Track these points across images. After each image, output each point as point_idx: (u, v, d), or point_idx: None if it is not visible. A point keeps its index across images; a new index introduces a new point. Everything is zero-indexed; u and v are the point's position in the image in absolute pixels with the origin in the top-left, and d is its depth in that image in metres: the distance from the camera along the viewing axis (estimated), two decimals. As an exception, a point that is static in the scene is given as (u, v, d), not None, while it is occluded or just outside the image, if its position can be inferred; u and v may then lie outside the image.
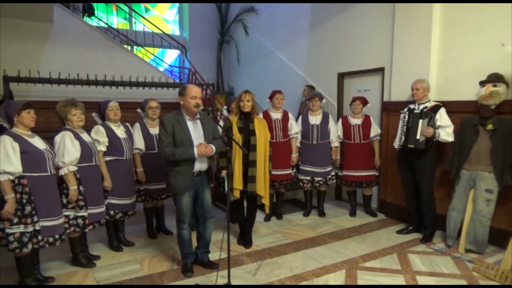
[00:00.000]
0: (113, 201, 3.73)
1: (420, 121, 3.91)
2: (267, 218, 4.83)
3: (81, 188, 3.32)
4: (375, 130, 4.81)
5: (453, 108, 4.04)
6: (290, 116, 4.75)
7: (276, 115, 4.67)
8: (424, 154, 3.97)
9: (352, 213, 5.02)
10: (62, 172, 3.22)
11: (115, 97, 5.56)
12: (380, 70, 5.15)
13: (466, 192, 3.74)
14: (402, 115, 4.14)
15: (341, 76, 5.78)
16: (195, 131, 3.23)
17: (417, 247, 3.91)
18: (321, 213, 5.02)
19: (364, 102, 4.82)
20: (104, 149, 3.65)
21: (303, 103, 6.09)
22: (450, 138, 3.88)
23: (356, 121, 4.80)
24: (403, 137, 4.05)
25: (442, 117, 3.90)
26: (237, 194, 3.76)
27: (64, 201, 3.25)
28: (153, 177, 4.08)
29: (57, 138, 3.24)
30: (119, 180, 3.72)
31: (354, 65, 5.51)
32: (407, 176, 4.16)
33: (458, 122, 3.87)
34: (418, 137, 3.91)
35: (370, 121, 4.81)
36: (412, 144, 3.94)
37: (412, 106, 4.13)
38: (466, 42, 4.08)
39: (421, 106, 4.04)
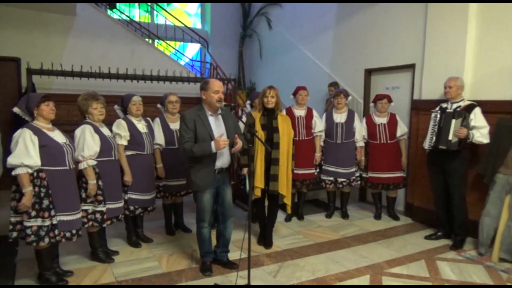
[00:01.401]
0: (133, 196, 3.76)
1: (453, 121, 3.81)
2: (288, 218, 4.80)
3: (100, 182, 3.35)
4: (401, 129, 4.73)
5: (488, 108, 3.92)
6: (314, 113, 4.72)
7: (299, 112, 4.65)
8: (456, 156, 3.87)
9: (377, 216, 4.94)
10: (81, 166, 3.25)
11: (136, 91, 5.64)
12: (410, 67, 5.03)
13: (501, 197, 3.63)
14: (433, 114, 4.05)
15: (368, 73, 5.69)
16: (217, 126, 3.24)
17: (447, 254, 3.81)
18: (345, 215, 4.96)
19: (390, 100, 4.76)
20: (125, 143, 3.68)
21: (328, 99, 6.05)
22: (485, 140, 3.78)
23: (381, 120, 4.74)
24: (434, 138, 3.96)
25: (477, 117, 3.80)
26: (258, 192, 3.76)
27: (83, 195, 3.28)
28: (173, 173, 4.09)
29: (77, 132, 3.28)
30: (139, 175, 3.75)
31: (382, 61, 5.41)
32: (437, 179, 4.07)
33: (494, 123, 3.77)
34: (450, 138, 3.81)
35: (396, 119, 4.74)
36: (444, 145, 3.84)
37: (444, 105, 4.04)
38: (504, 40, 3.98)
39: (454, 105, 3.95)
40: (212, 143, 3.10)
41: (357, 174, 4.82)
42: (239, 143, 3.19)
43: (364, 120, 4.87)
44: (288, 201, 3.89)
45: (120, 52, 6.42)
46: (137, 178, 3.74)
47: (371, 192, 5.04)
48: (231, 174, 3.55)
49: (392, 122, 4.72)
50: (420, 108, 4.73)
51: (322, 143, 4.80)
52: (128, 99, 3.79)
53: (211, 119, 3.22)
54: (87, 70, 5.46)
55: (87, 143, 3.25)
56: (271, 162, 3.74)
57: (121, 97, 3.86)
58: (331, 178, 4.78)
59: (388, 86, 5.42)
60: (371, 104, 4.97)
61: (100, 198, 3.36)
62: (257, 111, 3.90)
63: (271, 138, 3.76)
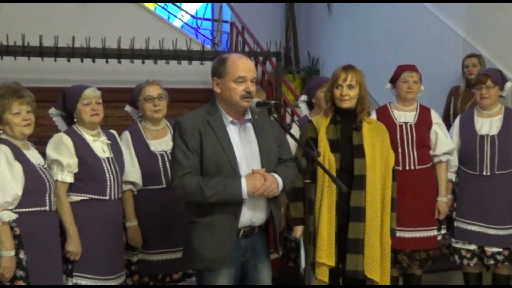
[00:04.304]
0: (83, 282, 3.76)
1: None
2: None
3: (21, 255, 3.34)
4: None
5: None
6: (434, 117, 4.78)
7: (405, 115, 4.71)
8: None
9: None
10: (-12, 222, 3.30)
11: (91, 79, 5.76)
12: None
13: None
14: None
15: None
16: (244, 145, 3.29)
17: None
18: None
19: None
20: (69, 180, 3.75)
21: (453, 89, 6.14)
22: None
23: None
24: None
25: None
26: (324, 275, 3.76)
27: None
28: (158, 237, 4.15)
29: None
30: (95, 242, 3.79)
31: None
32: None
33: None
34: None
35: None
36: None
37: None
38: None
39: None
40: (244, 181, 3.13)
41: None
42: (273, 183, 3.22)
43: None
44: (384, 292, 3.84)
45: (63, 9, 6.82)
46: (91, 247, 3.77)
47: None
48: (271, 239, 3.55)
49: None
50: None
51: (453, 177, 4.82)
52: (76, 95, 3.86)
53: (233, 131, 3.28)
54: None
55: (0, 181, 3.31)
56: (348, 215, 3.75)
57: (62, 93, 4.00)
58: (473, 247, 4.74)
59: None
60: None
61: (21, 283, 3.34)
62: (322, 114, 3.95)
63: (348, 167, 3.78)
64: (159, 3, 8.60)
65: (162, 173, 4.15)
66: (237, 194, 3.12)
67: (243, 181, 3.12)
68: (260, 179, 3.15)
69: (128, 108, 4.37)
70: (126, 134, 4.21)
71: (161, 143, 4.20)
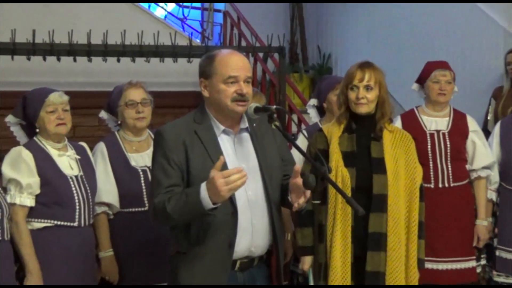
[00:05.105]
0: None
1: None
2: None
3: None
4: None
5: None
6: (471, 123, 4.82)
7: (436, 121, 4.76)
8: None
9: None
10: None
11: (56, 81, 5.81)
12: None
13: None
14: None
15: None
16: (240, 159, 3.29)
17: None
18: None
19: None
20: (29, 203, 3.75)
21: (496, 90, 6.19)
22: None
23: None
24: None
25: None
26: (337, 314, 3.72)
27: None
28: (138, 270, 4.16)
29: None
30: (61, 277, 3.79)
31: None
32: None
33: None
34: None
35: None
36: None
37: None
38: None
39: None
40: (202, 187, 3.00)
41: None
42: (302, 198, 3.16)
43: None
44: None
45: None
46: (58, 282, 3.75)
47: None
48: (275, 270, 3.54)
49: None
50: None
51: (493, 196, 4.83)
52: (39, 101, 3.88)
53: (226, 142, 3.29)
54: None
55: None
56: (367, 243, 3.73)
57: (23, 97, 3.99)
58: (518, 280, 4.74)
59: None
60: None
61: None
62: (335, 121, 3.94)
63: (366, 184, 3.78)
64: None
65: (144, 193, 4.18)
66: (198, 205, 2.96)
67: (203, 188, 2.98)
68: (219, 176, 2.89)
69: (103, 114, 4.37)
70: (101, 146, 4.22)
71: (143, 157, 4.21)
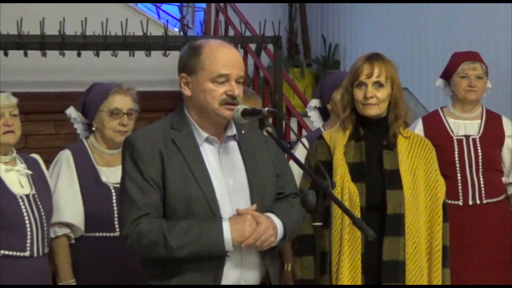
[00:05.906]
0: None
1: None
2: None
3: None
4: None
5: None
6: (508, 127, 5.02)
7: (465, 125, 4.93)
8: None
9: None
10: None
11: (2, 80, 5.76)
12: None
13: None
14: None
15: None
16: (226, 173, 3.31)
17: None
18: None
19: None
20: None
21: None
22: None
23: None
24: None
25: None
26: None
27: None
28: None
29: None
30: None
31: None
32: None
33: None
34: None
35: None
36: None
37: None
38: None
39: None
40: (227, 225, 3.09)
41: None
42: (267, 229, 3.18)
43: None
44: None
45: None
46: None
47: None
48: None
49: None
50: None
51: None
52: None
53: (209, 153, 3.31)
54: None
55: None
56: (381, 273, 3.72)
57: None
58: None
59: None
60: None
61: None
62: (339, 126, 3.94)
63: (379, 202, 3.77)
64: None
65: (115, 215, 4.19)
66: (217, 245, 3.06)
67: (226, 226, 3.07)
68: (251, 223, 3.09)
69: (72, 111, 4.33)
70: (67, 154, 4.25)
71: (116, 171, 4.18)
